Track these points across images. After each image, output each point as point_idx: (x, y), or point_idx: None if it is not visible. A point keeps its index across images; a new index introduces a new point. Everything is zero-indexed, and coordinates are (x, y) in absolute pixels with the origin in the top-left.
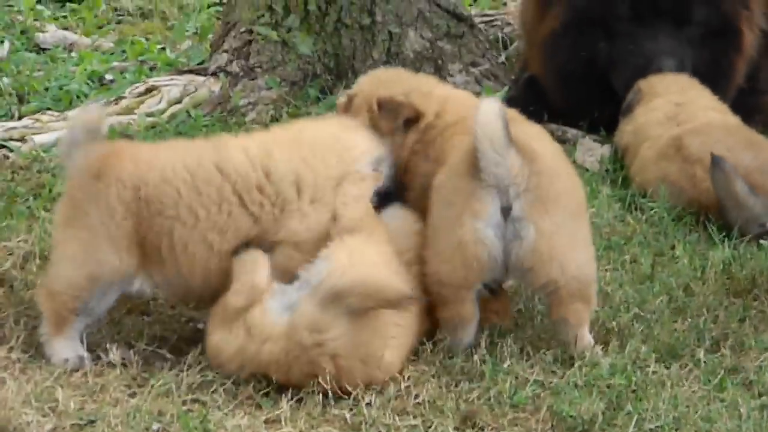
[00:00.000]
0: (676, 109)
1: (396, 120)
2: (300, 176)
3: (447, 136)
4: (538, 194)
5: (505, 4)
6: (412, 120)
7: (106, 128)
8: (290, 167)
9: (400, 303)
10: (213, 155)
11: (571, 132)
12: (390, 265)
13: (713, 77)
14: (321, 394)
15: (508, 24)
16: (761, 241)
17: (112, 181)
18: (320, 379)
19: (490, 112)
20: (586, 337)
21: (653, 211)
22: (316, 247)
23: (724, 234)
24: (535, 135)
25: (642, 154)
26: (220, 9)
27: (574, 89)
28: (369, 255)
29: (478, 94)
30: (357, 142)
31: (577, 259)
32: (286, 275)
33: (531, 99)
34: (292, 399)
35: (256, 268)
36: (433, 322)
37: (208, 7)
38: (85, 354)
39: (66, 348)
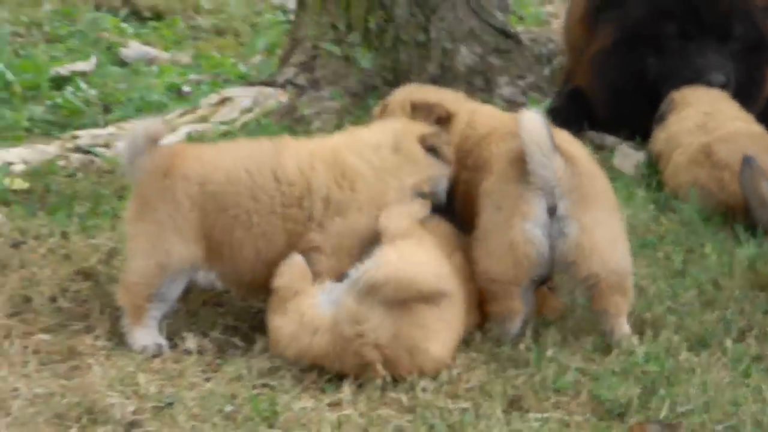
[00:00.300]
0: (705, 119)
1: (429, 119)
2: (329, 195)
3: (484, 146)
4: (580, 194)
5: (548, 22)
6: (444, 120)
7: (165, 136)
8: (325, 184)
9: (434, 297)
10: (272, 157)
11: (609, 139)
12: (437, 267)
13: (747, 88)
14: (380, 380)
15: (551, 41)
16: None
17: (178, 178)
18: (373, 369)
19: (534, 121)
20: (624, 327)
21: (685, 212)
22: (344, 250)
23: (749, 233)
24: (570, 140)
25: (674, 160)
26: (288, 26)
27: (621, 101)
28: (417, 256)
29: (524, 104)
30: (399, 169)
31: (616, 253)
32: (317, 276)
33: (573, 109)
34: (353, 384)
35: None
36: (482, 314)
37: (277, 24)
38: (164, 342)
39: (145, 336)
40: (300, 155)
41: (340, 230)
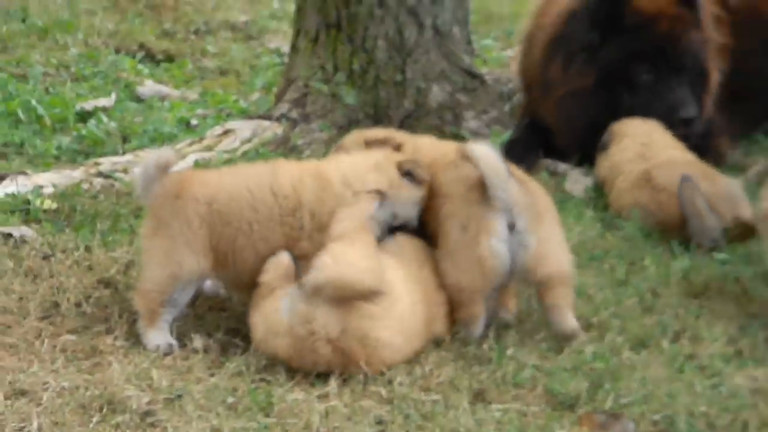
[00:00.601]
0: (643, 149)
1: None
2: (314, 208)
3: (431, 172)
4: (534, 211)
5: (508, 65)
6: (396, 149)
7: (175, 164)
8: (311, 198)
9: (370, 295)
10: (269, 177)
11: (562, 166)
12: (369, 265)
13: (678, 121)
14: (363, 375)
15: (510, 81)
16: (713, 253)
17: (188, 199)
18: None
19: (489, 152)
20: (572, 318)
21: (627, 229)
22: None
23: (683, 248)
24: (515, 167)
25: (618, 185)
26: (283, 68)
27: (593, 135)
28: (350, 257)
29: (487, 136)
30: (359, 178)
31: (564, 257)
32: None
33: (531, 139)
34: (339, 378)
35: (282, 255)
36: (451, 320)
37: (273, 66)
38: (174, 342)
39: (158, 337)
40: (293, 170)
41: (324, 240)
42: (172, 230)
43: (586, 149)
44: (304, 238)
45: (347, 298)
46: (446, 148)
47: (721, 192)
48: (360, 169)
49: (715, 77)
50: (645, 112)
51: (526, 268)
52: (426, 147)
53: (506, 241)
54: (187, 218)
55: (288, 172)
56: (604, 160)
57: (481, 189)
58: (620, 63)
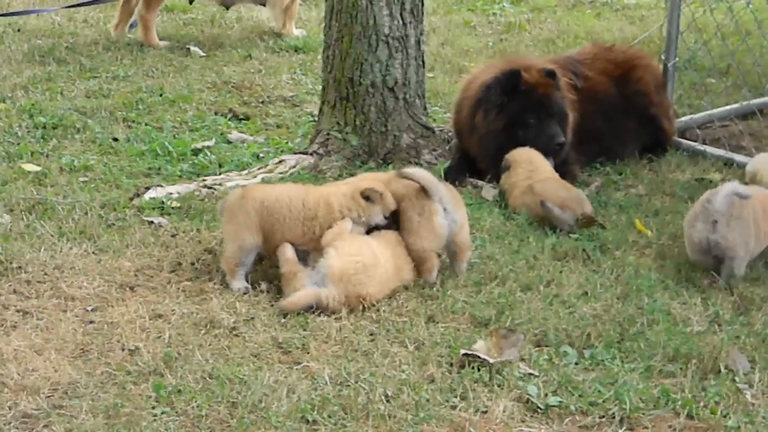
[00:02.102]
0: (529, 172)
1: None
2: (322, 221)
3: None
4: (455, 201)
5: (448, 120)
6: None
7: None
8: (323, 214)
9: (361, 268)
10: (302, 194)
11: (480, 182)
12: (357, 251)
13: (554, 146)
14: (361, 308)
15: (449, 131)
16: (569, 234)
17: (249, 198)
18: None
19: (427, 174)
20: (465, 267)
21: (518, 220)
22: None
23: (552, 231)
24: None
25: (513, 194)
26: (314, 123)
27: (498, 160)
28: (345, 249)
29: (436, 164)
30: (346, 205)
31: (468, 231)
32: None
33: (460, 166)
34: (347, 309)
35: (286, 249)
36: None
37: (308, 122)
38: (248, 285)
39: (238, 283)
40: (316, 194)
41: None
42: (239, 219)
43: (496, 170)
44: (314, 237)
45: (348, 274)
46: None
47: (573, 196)
48: (346, 200)
49: (572, 117)
50: (534, 143)
51: (452, 236)
52: (381, 178)
53: (445, 219)
54: (248, 211)
55: (314, 194)
56: (505, 178)
57: (425, 192)
58: (518, 113)
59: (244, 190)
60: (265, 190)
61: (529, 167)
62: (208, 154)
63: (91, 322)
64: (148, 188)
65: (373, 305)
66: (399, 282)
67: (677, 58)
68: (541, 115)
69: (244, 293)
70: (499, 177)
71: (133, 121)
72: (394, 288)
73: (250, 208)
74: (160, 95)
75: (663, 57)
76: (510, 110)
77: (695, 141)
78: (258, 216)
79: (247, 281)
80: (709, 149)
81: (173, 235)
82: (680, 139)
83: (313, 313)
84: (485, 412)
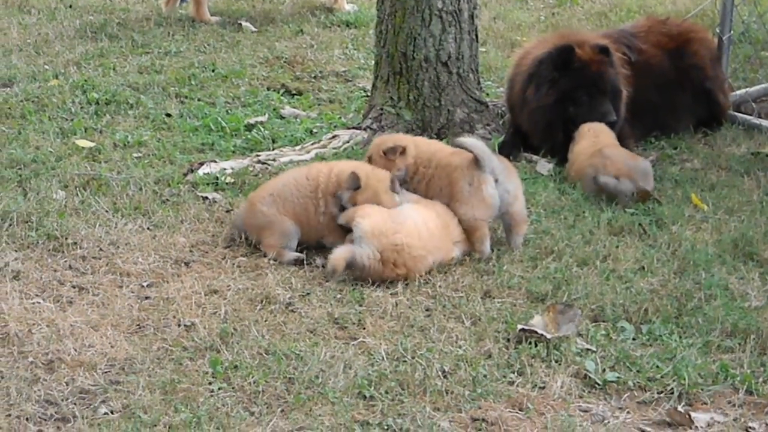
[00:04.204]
0: (595, 140)
1: (395, 154)
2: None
3: (433, 160)
4: (507, 173)
5: (501, 95)
6: (402, 151)
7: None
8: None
9: (392, 231)
10: (305, 171)
11: (534, 157)
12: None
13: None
14: (417, 281)
15: (502, 106)
16: (625, 209)
17: (256, 202)
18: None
19: (478, 141)
20: (521, 240)
21: (574, 194)
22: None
23: (609, 206)
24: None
25: (578, 161)
26: (367, 98)
27: (551, 135)
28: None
29: (491, 139)
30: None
31: (523, 201)
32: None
33: (514, 140)
34: (403, 283)
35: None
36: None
37: (361, 98)
38: (303, 257)
39: (289, 255)
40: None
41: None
42: (259, 219)
43: (547, 144)
44: (326, 212)
45: (378, 228)
46: (435, 143)
47: (640, 168)
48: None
49: (625, 94)
50: (585, 120)
51: (506, 206)
52: (422, 143)
53: (495, 189)
54: (262, 211)
55: (314, 168)
56: (574, 146)
57: (476, 163)
58: (569, 89)
59: (248, 199)
60: (267, 184)
61: (595, 138)
62: (262, 129)
63: (147, 297)
64: (201, 164)
65: (429, 279)
66: (449, 240)
67: (732, 31)
68: (592, 92)
69: (297, 263)
70: (552, 152)
71: (186, 97)
72: (443, 248)
73: (268, 201)
74: (213, 71)
75: (718, 30)
76: (561, 86)
77: (750, 114)
78: (275, 207)
79: (303, 256)
80: (765, 123)
81: (228, 211)
82: (735, 113)
83: (369, 286)
84: (543, 387)
